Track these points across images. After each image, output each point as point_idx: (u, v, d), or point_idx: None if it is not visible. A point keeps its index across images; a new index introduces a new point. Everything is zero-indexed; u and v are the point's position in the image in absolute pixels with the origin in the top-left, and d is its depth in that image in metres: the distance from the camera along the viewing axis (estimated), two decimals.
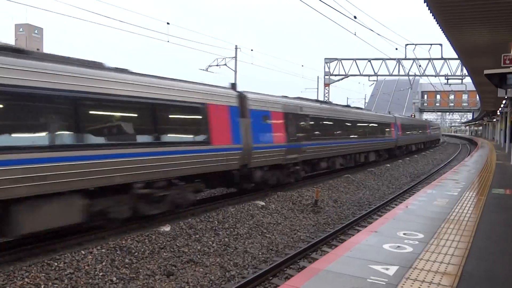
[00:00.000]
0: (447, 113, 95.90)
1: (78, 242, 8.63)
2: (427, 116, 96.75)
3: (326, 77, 31.59)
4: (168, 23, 23.16)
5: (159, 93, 9.81)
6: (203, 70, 45.63)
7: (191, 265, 7.80)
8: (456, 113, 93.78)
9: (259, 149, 12.98)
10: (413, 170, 25.74)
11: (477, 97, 42.18)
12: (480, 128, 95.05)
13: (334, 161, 19.10)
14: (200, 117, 10.96)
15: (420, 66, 29.39)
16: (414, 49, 28.82)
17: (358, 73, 30.54)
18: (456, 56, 18.76)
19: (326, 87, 31.86)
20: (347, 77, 31.29)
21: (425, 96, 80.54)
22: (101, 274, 6.92)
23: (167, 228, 8.99)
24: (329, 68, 31.36)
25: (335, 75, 31.41)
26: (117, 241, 8.04)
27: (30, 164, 7.10)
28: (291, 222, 11.38)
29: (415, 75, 31.81)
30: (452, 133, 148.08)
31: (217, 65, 44.89)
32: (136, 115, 9.25)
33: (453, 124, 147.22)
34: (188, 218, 10.10)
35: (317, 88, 65.37)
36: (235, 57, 45.54)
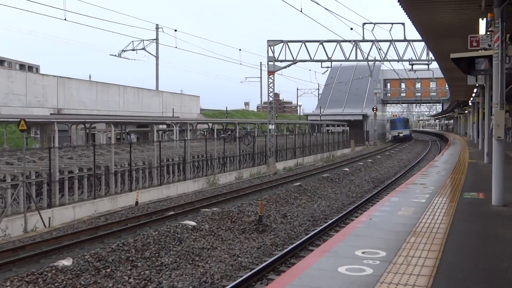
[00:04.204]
0: (414, 105, 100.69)
1: None
2: (391, 108, 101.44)
3: (270, 63, 31.70)
4: None
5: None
6: (115, 56, 44.61)
7: None
8: (424, 104, 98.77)
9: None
10: (376, 175, 26.79)
11: (446, 85, 44.72)
12: (451, 121, 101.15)
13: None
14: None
15: (380, 49, 30.46)
16: (373, 29, 29.85)
17: (309, 58, 31.05)
18: (420, 38, 19.70)
19: (271, 76, 32.06)
20: (295, 63, 31.69)
21: (388, 85, 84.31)
22: None
23: (67, 262, 8.63)
24: (273, 52, 31.51)
25: (281, 61, 31.64)
26: None
27: None
28: (230, 246, 11.37)
29: (375, 60, 32.90)
30: (421, 128, 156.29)
31: (133, 49, 44.03)
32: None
33: (421, 118, 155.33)
34: (96, 248, 9.77)
35: (260, 77, 66.15)
36: (156, 39, 44.90)
